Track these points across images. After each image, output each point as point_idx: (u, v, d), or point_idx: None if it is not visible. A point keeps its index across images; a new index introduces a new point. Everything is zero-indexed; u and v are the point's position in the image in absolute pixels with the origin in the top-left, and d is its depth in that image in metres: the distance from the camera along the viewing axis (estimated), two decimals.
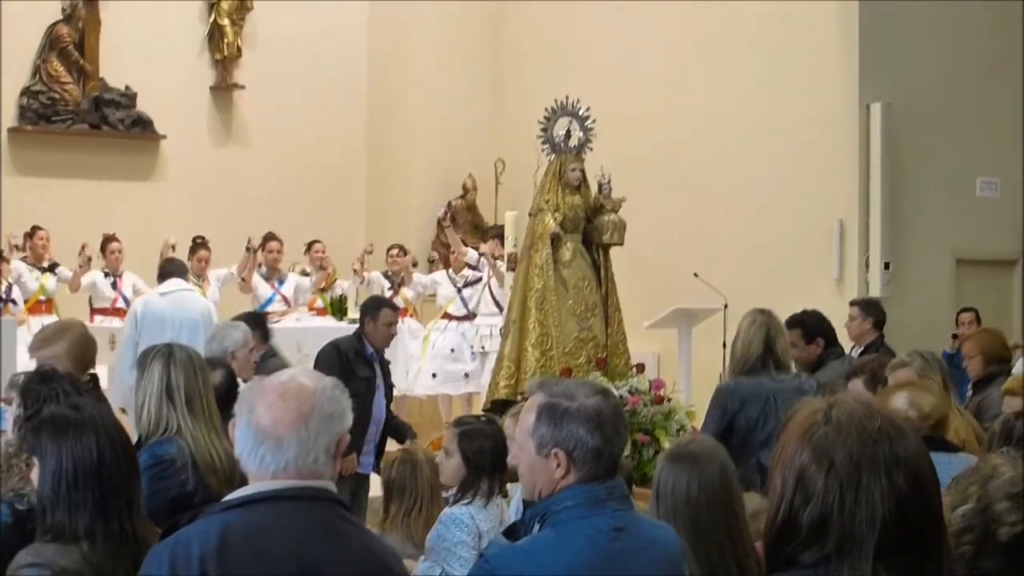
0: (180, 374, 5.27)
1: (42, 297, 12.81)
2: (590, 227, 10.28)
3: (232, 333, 7.68)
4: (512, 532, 3.64)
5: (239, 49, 15.74)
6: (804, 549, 2.41)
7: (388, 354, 9.35)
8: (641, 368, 9.97)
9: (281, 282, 14.01)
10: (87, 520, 3.87)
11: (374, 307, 9.29)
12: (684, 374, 11.82)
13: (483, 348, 13.61)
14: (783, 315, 8.02)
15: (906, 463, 2.39)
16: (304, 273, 14.24)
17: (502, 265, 12.23)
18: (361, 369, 8.68)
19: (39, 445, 4.01)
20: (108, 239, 13.42)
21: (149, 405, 5.17)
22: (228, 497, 3.21)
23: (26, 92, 14.84)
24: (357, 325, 12.79)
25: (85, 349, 6.36)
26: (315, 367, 8.02)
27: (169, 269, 10.93)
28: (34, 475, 4.04)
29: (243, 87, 15.86)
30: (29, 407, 4.60)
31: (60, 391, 4.64)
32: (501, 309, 13.39)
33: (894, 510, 2.35)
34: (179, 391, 5.24)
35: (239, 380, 6.45)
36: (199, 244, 13.66)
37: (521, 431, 3.52)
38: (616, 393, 3.75)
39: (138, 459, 4.20)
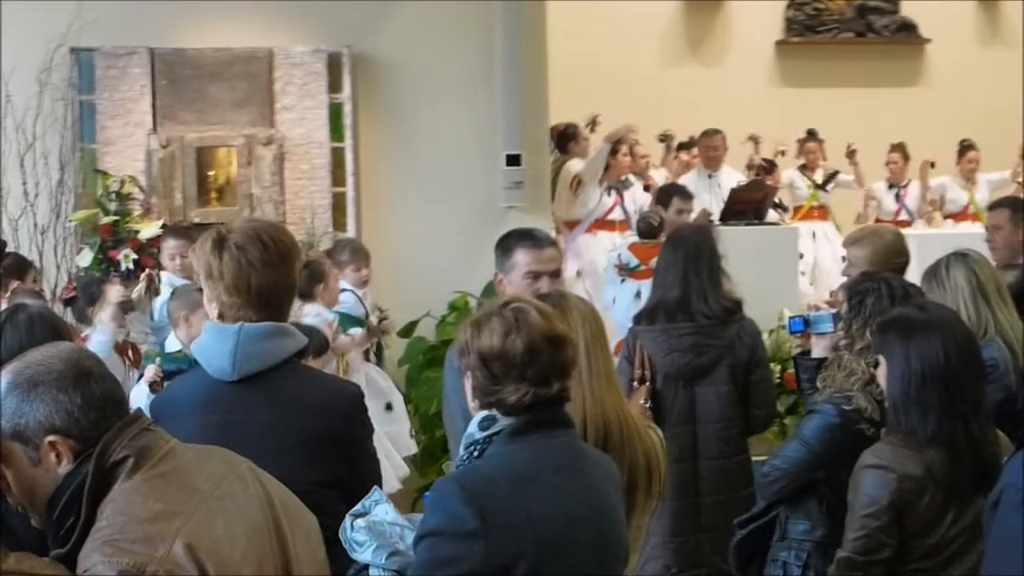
0: (986, 273, 5.23)
1: (815, 203, 12.94)
2: None
3: None
4: None
5: None
6: None
7: None
8: None
9: None
10: (934, 425, 3.87)
11: None
12: None
13: None
14: None
15: None
16: None
17: None
18: None
19: (886, 345, 4.04)
20: (894, 147, 13.35)
21: (966, 309, 5.09)
22: None
23: (792, 5, 15.20)
24: None
25: (888, 255, 6.06)
26: None
27: None
28: (880, 375, 4.11)
29: None
30: (854, 307, 4.62)
31: (884, 290, 4.61)
32: None
33: None
34: (996, 290, 5.19)
35: None
36: (966, 147, 13.30)
37: None
38: None
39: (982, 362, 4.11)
